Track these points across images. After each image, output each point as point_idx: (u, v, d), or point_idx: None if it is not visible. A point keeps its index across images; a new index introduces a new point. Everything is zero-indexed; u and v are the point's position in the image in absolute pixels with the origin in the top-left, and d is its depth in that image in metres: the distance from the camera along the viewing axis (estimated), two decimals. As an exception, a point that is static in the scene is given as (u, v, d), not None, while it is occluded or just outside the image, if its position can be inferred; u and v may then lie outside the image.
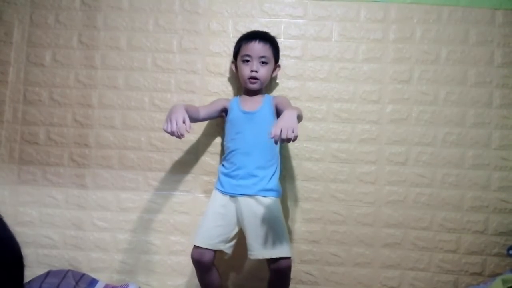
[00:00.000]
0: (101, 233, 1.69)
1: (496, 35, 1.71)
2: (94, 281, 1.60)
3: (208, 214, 1.46)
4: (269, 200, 1.44)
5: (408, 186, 1.67)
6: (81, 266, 1.68)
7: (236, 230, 1.45)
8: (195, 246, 1.39)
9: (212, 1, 1.74)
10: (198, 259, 1.38)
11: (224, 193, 1.47)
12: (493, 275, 1.61)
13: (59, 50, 1.75)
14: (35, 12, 1.76)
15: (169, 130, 1.25)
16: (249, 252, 1.41)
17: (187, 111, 1.30)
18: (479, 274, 1.64)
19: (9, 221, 0.74)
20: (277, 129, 1.15)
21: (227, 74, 1.72)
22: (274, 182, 1.48)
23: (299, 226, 1.68)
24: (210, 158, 1.70)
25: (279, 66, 1.63)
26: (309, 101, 1.70)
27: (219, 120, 1.67)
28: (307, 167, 1.69)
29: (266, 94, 1.61)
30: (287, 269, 1.38)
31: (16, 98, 1.74)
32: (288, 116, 1.20)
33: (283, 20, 1.73)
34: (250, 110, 1.52)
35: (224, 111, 1.59)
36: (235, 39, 1.63)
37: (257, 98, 1.57)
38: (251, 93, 1.58)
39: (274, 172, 1.49)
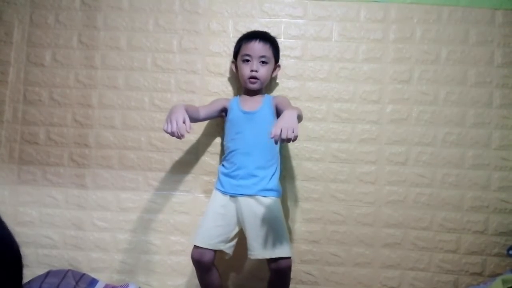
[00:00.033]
0: (101, 233, 1.69)
1: (496, 35, 1.71)
2: (94, 281, 1.60)
3: (208, 214, 1.46)
4: (270, 200, 1.44)
5: (408, 186, 1.67)
6: (81, 266, 1.68)
7: (236, 230, 1.45)
8: (195, 246, 1.39)
9: (212, 1, 1.74)
10: (198, 259, 1.38)
11: (224, 193, 1.47)
12: (493, 275, 1.61)
13: (59, 50, 1.75)
14: (35, 12, 1.76)
15: (169, 130, 1.25)
16: (249, 252, 1.41)
17: (187, 111, 1.30)
18: (479, 274, 1.64)
19: (9, 221, 0.74)
20: (277, 129, 1.15)
21: (227, 74, 1.72)
22: (275, 182, 1.48)
23: (299, 226, 1.68)
24: (210, 158, 1.70)
25: (279, 66, 1.63)
26: (309, 101, 1.70)
27: (219, 120, 1.67)
28: (307, 167, 1.69)
29: (266, 94, 1.61)
30: (287, 269, 1.38)
31: (16, 98, 1.74)
32: (288, 116, 1.20)
33: (283, 20, 1.73)
34: (250, 110, 1.52)
35: (224, 111, 1.59)
36: (235, 39, 1.63)
37: (257, 98, 1.57)
38: (251, 93, 1.58)
39: (274, 172, 1.49)
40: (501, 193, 1.66)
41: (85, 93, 1.73)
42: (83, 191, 1.71)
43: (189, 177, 1.70)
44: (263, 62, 1.54)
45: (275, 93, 1.70)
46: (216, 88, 1.72)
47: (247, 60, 1.54)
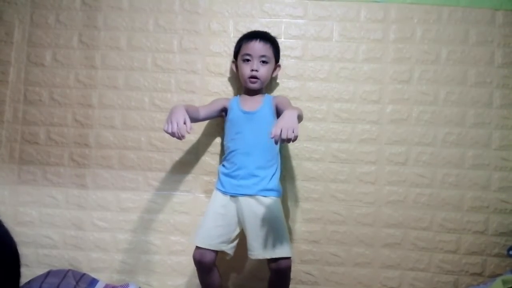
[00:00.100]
0: (101, 233, 1.69)
1: (496, 35, 1.71)
2: (94, 281, 1.60)
3: (208, 214, 1.46)
4: (270, 200, 1.44)
5: (408, 186, 1.67)
6: (81, 266, 1.68)
7: (237, 230, 1.45)
8: (197, 247, 1.39)
9: (212, 1, 1.74)
10: (199, 259, 1.38)
11: (224, 193, 1.47)
12: (493, 276, 1.61)
13: (59, 50, 1.75)
14: (36, 12, 1.76)
15: (169, 131, 1.25)
16: (249, 252, 1.41)
17: (187, 111, 1.30)
18: (479, 274, 1.64)
19: (9, 221, 0.74)
20: (277, 129, 1.15)
21: (228, 74, 1.72)
22: (275, 182, 1.48)
23: (299, 226, 1.68)
24: (210, 158, 1.70)
25: (279, 66, 1.63)
26: (309, 101, 1.71)
27: (219, 120, 1.67)
28: (307, 167, 1.69)
29: (266, 94, 1.61)
30: (287, 269, 1.38)
31: (16, 98, 1.74)
32: (289, 116, 1.20)
33: (284, 20, 1.73)
34: (250, 110, 1.52)
35: (224, 111, 1.59)
36: (236, 39, 1.63)
37: (257, 98, 1.57)
38: (251, 92, 1.58)
39: (275, 172, 1.49)
40: (501, 193, 1.66)
41: (85, 93, 1.74)
42: (83, 191, 1.71)
43: (189, 177, 1.70)
44: (263, 61, 1.54)
45: (276, 93, 1.70)
46: (216, 88, 1.72)
47: (248, 60, 1.54)
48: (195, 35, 1.74)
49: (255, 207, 1.41)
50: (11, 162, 1.72)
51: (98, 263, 1.68)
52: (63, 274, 1.58)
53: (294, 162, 1.69)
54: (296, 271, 1.64)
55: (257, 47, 1.53)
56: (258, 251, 1.38)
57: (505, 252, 1.62)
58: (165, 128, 1.26)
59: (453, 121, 1.69)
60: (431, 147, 1.68)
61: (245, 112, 1.52)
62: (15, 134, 1.73)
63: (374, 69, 1.71)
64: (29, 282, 1.55)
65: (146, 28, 1.74)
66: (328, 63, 1.72)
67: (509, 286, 1.37)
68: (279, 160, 1.54)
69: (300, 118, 1.29)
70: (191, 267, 1.63)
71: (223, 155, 1.57)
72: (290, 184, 1.68)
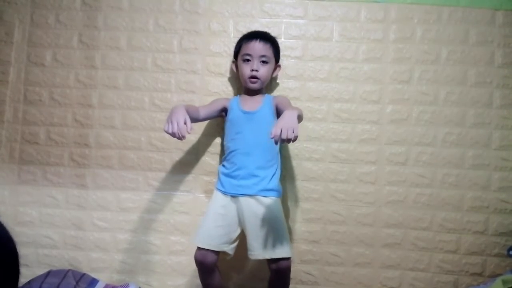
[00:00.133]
0: (101, 233, 1.69)
1: (496, 35, 1.71)
2: (94, 281, 1.60)
3: (208, 215, 1.46)
4: (270, 200, 1.44)
5: (408, 186, 1.67)
6: (81, 266, 1.68)
7: (238, 231, 1.45)
8: (198, 248, 1.39)
9: (212, 1, 1.74)
10: (201, 260, 1.38)
11: (225, 193, 1.47)
12: (493, 276, 1.61)
13: (59, 50, 1.75)
14: (36, 12, 1.76)
15: (170, 131, 1.25)
16: (249, 252, 1.41)
17: (187, 111, 1.29)
18: (479, 274, 1.64)
19: (9, 221, 0.74)
20: (277, 129, 1.15)
21: (228, 74, 1.72)
22: (275, 182, 1.48)
23: (299, 226, 1.68)
24: (210, 158, 1.70)
25: (279, 66, 1.63)
26: (309, 101, 1.71)
27: (219, 120, 1.67)
28: (307, 167, 1.69)
29: (266, 94, 1.61)
30: (287, 270, 1.38)
31: (16, 98, 1.74)
32: (289, 116, 1.20)
33: (284, 20, 1.73)
34: (250, 110, 1.52)
35: (224, 111, 1.59)
36: (236, 39, 1.63)
37: (257, 98, 1.57)
38: (252, 92, 1.58)
39: (275, 172, 1.49)
40: (501, 193, 1.66)
41: (85, 93, 1.74)
42: (83, 191, 1.71)
43: (189, 177, 1.70)
44: (263, 61, 1.54)
45: (276, 93, 1.70)
46: (216, 88, 1.72)
47: (248, 60, 1.54)
48: (195, 35, 1.74)
49: (255, 207, 1.41)
50: (11, 162, 1.72)
51: (98, 263, 1.68)
52: (63, 274, 1.58)
53: (294, 162, 1.69)
54: (296, 271, 1.64)
55: (257, 47, 1.53)
56: (258, 251, 1.38)
57: (505, 252, 1.62)
58: (166, 128, 1.26)
59: (453, 121, 1.69)
60: (431, 147, 1.68)
61: (245, 112, 1.52)
62: (15, 134, 1.73)
63: (374, 69, 1.71)
64: (29, 282, 1.55)
65: (146, 28, 1.74)
66: (328, 63, 1.72)
67: (509, 286, 1.37)
68: (279, 160, 1.54)
69: (300, 118, 1.29)
70: (191, 267, 1.64)
71: (223, 155, 1.57)
72: (290, 184, 1.68)
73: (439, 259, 1.65)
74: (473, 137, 1.68)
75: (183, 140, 1.29)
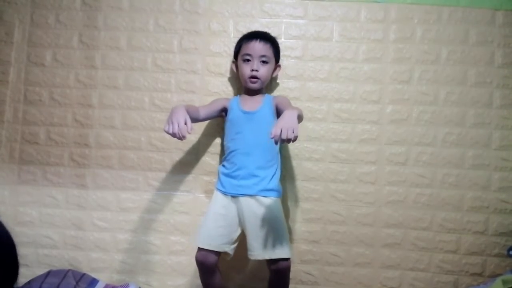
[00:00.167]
0: (101, 233, 1.69)
1: (497, 35, 1.71)
2: (94, 281, 1.60)
3: (209, 215, 1.46)
4: (270, 200, 1.43)
5: (408, 186, 1.67)
6: (81, 266, 1.68)
7: (239, 231, 1.44)
8: (199, 249, 1.39)
9: (212, 1, 1.74)
10: (202, 261, 1.38)
11: (225, 193, 1.47)
12: (493, 276, 1.61)
13: (59, 50, 1.75)
14: (36, 12, 1.76)
15: (170, 131, 1.25)
16: (249, 253, 1.41)
17: (187, 111, 1.29)
18: (479, 274, 1.64)
19: (9, 221, 0.75)
20: (277, 129, 1.15)
21: (228, 74, 1.72)
22: (275, 182, 1.48)
23: (299, 226, 1.68)
24: (210, 158, 1.70)
25: (279, 66, 1.63)
26: (309, 101, 1.71)
27: (219, 120, 1.67)
28: (307, 167, 1.69)
29: (266, 94, 1.61)
30: (287, 270, 1.38)
31: (16, 98, 1.74)
32: (289, 116, 1.20)
33: (284, 20, 1.73)
34: (250, 110, 1.52)
35: (224, 111, 1.58)
36: (236, 39, 1.63)
37: (257, 98, 1.57)
38: (252, 92, 1.58)
39: (275, 173, 1.49)
40: (501, 193, 1.66)
41: (85, 93, 1.74)
42: (83, 191, 1.71)
43: (190, 177, 1.70)
44: (263, 61, 1.54)
45: (276, 93, 1.70)
46: (216, 88, 1.72)
47: (248, 60, 1.54)
48: (195, 35, 1.74)
49: (256, 208, 1.41)
50: (11, 162, 1.72)
51: (98, 263, 1.68)
52: (63, 274, 1.58)
53: (294, 162, 1.69)
54: (296, 271, 1.64)
55: (257, 47, 1.53)
56: (258, 251, 1.38)
57: (505, 252, 1.62)
58: (166, 129, 1.26)
59: (453, 121, 1.69)
60: (431, 147, 1.68)
61: (245, 112, 1.52)
62: (15, 134, 1.73)
63: (374, 69, 1.71)
64: (29, 282, 1.55)
65: (146, 28, 1.74)
66: (328, 63, 1.72)
67: (509, 286, 1.37)
68: (279, 160, 1.54)
69: (300, 118, 1.29)
70: (191, 267, 1.64)
71: (223, 155, 1.57)
72: (290, 184, 1.68)
73: (439, 259, 1.65)
74: (473, 137, 1.68)
75: (183, 140, 1.29)
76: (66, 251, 1.69)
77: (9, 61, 1.75)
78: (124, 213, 1.70)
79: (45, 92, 1.74)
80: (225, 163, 1.53)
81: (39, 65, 1.75)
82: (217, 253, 1.39)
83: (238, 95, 1.62)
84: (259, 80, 1.54)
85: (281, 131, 1.15)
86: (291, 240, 1.64)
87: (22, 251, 1.68)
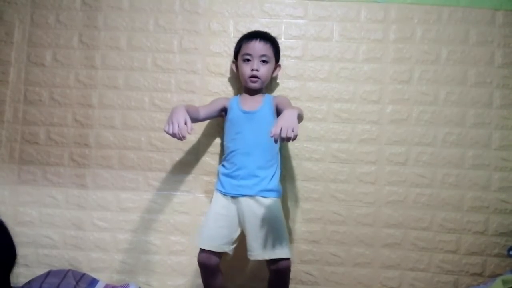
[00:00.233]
0: (101, 233, 1.69)
1: (497, 35, 1.71)
2: (94, 281, 1.60)
3: (210, 216, 1.46)
4: (270, 200, 1.43)
5: (408, 186, 1.67)
6: (81, 266, 1.68)
7: (239, 231, 1.44)
8: (201, 250, 1.39)
9: (212, 1, 1.74)
10: (205, 262, 1.38)
11: (225, 194, 1.47)
12: (493, 276, 1.61)
13: (59, 50, 1.75)
14: (36, 12, 1.76)
15: (170, 132, 1.24)
16: (249, 253, 1.41)
17: (187, 112, 1.29)
18: (479, 274, 1.64)
19: (9, 221, 0.75)
20: (277, 128, 1.15)
21: (228, 74, 1.72)
22: (275, 183, 1.48)
23: (299, 226, 1.68)
24: (210, 158, 1.70)
25: (279, 65, 1.63)
26: (309, 101, 1.71)
27: (219, 120, 1.67)
28: (307, 167, 1.69)
29: (266, 94, 1.60)
30: (287, 270, 1.38)
31: (16, 98, 1.75)
32: (288, 115, 1.20)
33: (284, 20, 1.73)
34: (250, 110, 1.52)
35: (224, 111, 1.58)
36: (236, 39, 1.63)
37: (257, 97, 1.57)
38: (252, 92, 1.57)
39: (275, 173, 1.49)
40: (501, 193, 1.66)
41: (85, 93, 1.74)
42: (83, 191, 1.71)
43: (190, 177, 1.70)
44: (263, 61, 1.54)
45: (276, 93, 1.70)
46: (216, 88, 1.72)
47: (248, 60, 1.54)
48: (195, 35, 1.74)
49: (255, 208, 1.41)
50: (11, 162, 1.72)
51: (98, 263, 1.68)
52: (63, 274, 1.58)
53: (294, 162, 1.69)
54: (296, 271, 1.64)
55: (257, 47, 1.53)
56: (258, 251, 1.38)
57: (505, 252, 1.62)
58: (166, 129, 1.25)
59: (453, 121, 1.69)
60: (431, 147, 1.68)
61: (245, 112, 1.52)
62: (15, 134, 1.73)
63: (374, 69, 1.71)
64: (29, 282, 1.55)
65: (146, 28, 1.74)
66: (328, 63, 1.72)
67: (509, 286, 1.37)
68: (279, 160, 1.54)
69: (300, 117, 1.29)
70: (191, 267, 1.64)
71: (223, 155, 1.57)
72: (290, 184, 1.68)
73: (439, 259, 1.65)
74: (473, 137, 1.68)
75: (183, 141, 1.29)
76: (66, 251, 1.69)
77: (9, 61, 1.75)
78: (124, 213, 1.70)
79: (45, 92, 1.74)
80: (224, 163, 1.53)
81: (39, 65, 1.75)
82: (219, 254, 1.39)
83: (238, 95, 1.62)
84: (259, 80, 1.54)
85: (280, 130, 1.15)
86: (291, 240, 1.64)
87: (22, 251, 1.68)
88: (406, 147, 1.69)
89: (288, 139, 1.16)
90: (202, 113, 1.51)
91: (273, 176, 1.47)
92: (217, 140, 1.70)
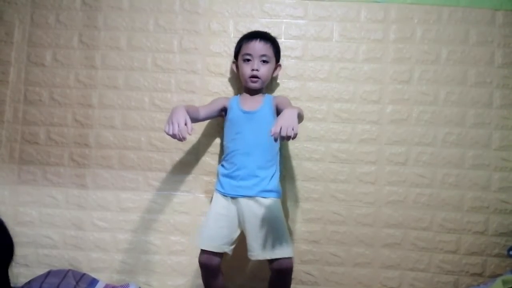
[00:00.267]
0: (101, 233, 1.69)
1: (497, 35, 1.71)
2: (94, 281, 1.60)
3: (210, 216, 1.46)
4: (270, 201, 1.43)
5: (408, 186, 1.67)
6: (81, 266, 1.68)
7: (238, 232, 1.44)
8: (203, 251, 1.39)
9: (212, 1, 1.74)
10: (206, 263, 1.38)
11: (224, 194, 1.47)
12: (493, 276, 1.61)
13: (59, 50, 1.75)
14: (36, 12, 1.76)
15: (170, 132, 1.24)
16: (249, 253, 1.41)
17: (187, 112, 1.29)
18: (479, 275, 1.64)
19: (9, 221, 0.75)
20: (277, 127, 1.15)
21: (228, 74, 1.72)
22: (275, 183, 1.48)
23: (299, 226, 1.68)
24: (210, 159, 1.70)
25: (280, 65, 1.63)
26: (309, 101, 1.71)
27: (219, 120, 1.67)
28: (307, 167, 1.69)
29: (266, 94, 1.60)
30: (289, 269, 1.38)
31: (16, 98, 1.75)
32: (288, 115, 1.20)
33: (284, 20, 1.73)
34: (250, 110, 1.52)
35: (224, 111, 1.58)
36: (236, 39, 1.63)
37: (258, 97, 1.57)
38: (252, 92, 1.57)
39: (274, 173, 1.49)
40: (501, 193, 1.66)
41: (85, 93, 1.74)
42: (83, 191, 1.71)
43: (190, 177, 1.70)
44: (264, 61, 1.54)
45: (276, 93, 1.70)
46: (216, 88, 1.72)
47: (248, 60, 1.54)
48: (195, 35, 1.74)
49: (255, 208, 1.41)
50: (11, 162, 1.72)
51: (98, 263, 1.68)
52: (63, 274, 1.58)
53: (294, 162, 1.69)
54: (296, 271, 1.64)
55: (258, 47, 1.53)
56: (258, 251, 1.38)
57: (505, 253, 1.62)
58: (166, 130, 1.25)
59: (453, 121, 1.69)
60: (431, 147, 1.68)
61: (245, 112, 1.52)
62: (15, 134, 1.73)
63: (374, 69, 1.71)
64: (29, 282, 1.55)
65: (146, 28, 1.74)
66: (328, 63, 1.72)
67: (509, 286, 1.37)
68: (279, 160, 1.54)
69: (300, 117, 1.29)
70: (191, 267, 1.64)
71: (222, 155, 1.57)
72: (290, 184, 1.68)
73: (439, 259, 1.65)
74: (473, 137, 1.68)
75: (184, 141, 1.28)
76: (66, 251, 1.69)
77: (9, 61, 1.75)
78: (124, 213, 1.70)
79: (45, 92, 1.74)
80: (224, 163, 1.52)
81: (39, 65, 1.75)
82: (221, 255, 1.39)
83: (238, 95, 1.62)
84: (259, 80, 1.54)
85: (280, 129, 1.15)
86: (291, 240, 1.64)
87: (22, 251, 1.68)
88: (406, 147, 1.69)
89: (288, 138, 1.16)
90: (202, 113, 1.51)
91: (272, 176, 1.47)
92: (217, 140, 1.70)
